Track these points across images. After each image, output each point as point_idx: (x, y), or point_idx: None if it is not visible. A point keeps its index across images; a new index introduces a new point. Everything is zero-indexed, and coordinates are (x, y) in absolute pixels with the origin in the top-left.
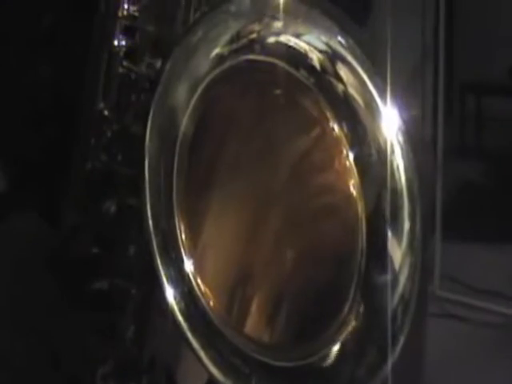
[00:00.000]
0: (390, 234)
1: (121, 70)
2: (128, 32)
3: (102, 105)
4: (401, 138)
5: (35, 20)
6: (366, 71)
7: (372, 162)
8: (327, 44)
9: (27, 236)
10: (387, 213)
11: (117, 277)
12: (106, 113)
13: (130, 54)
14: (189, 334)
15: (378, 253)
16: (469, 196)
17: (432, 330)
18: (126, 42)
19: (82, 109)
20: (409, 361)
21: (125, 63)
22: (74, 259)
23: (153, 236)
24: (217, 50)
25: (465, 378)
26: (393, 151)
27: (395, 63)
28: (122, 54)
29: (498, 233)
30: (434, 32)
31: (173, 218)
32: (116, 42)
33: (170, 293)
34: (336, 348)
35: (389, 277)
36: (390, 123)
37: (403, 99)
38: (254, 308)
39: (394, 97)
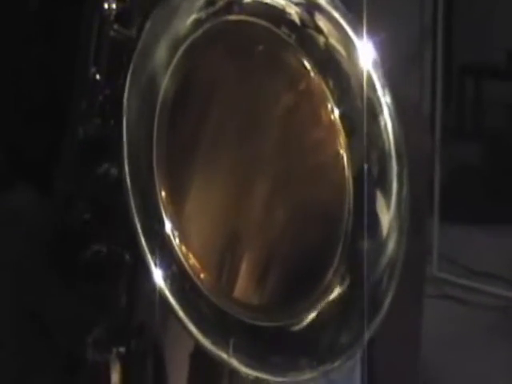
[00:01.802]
0: (377, 197)
1: (112, 33)
2: None
3: (93, 69)
4: (388, 99)
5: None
6: (343, 16)
7: (359, 118)
8: None
9: (18, 207)
10: (374, 171)
11: (111, 243)
12: (97, 77)
13: (121, 17)
14: (170, 297)
15: (364, 219)
16: (467, 178)
17: (429, 311)
18: (117, 5)
19: (74, 73)
20: (405, 341)
21: (116, 26)
22: (69, 227)
23: (132, 202)
24: (194, 16)
25: (462, 359)
26: (381, 111)
27: (393, 44)
28: (112, 17)
29: (495, 215)
30: (433, 15)
31: (154, 185)
32: (106, 5)
33: (157, 273)
34: (319, 311)
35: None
36: (367, 57)
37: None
38: (242, 271)
39: (373, 35)
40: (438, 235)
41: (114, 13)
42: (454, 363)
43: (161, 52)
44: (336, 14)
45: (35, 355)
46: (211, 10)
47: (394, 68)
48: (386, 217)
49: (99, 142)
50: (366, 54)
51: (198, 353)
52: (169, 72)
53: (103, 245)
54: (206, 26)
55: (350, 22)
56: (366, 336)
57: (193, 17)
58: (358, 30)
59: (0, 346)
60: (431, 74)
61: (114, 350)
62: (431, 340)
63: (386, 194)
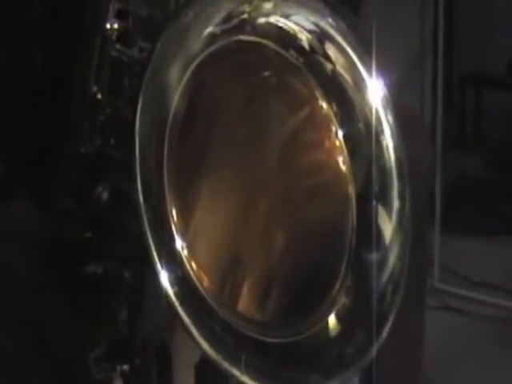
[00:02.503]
0: (379, 212)
1: (114, 53)
2: (121, 15)
3: (95, 88)
4: (390, 118)
5: (26, 5)
6: (355, 50)
7: (361, 140)
8: (316, 24)
9: (18, 222)
10: (376, 190)
11: (109, 261)
12: (99, 96)
13: (123, 37)
14: (180, 311)
15: (368, 231)
16: (468, 188)
17: (431, 322)
18: (119, 25)
19: (74, 92)
20: (406, 352)
21: (117, 46)
22: (67, 243)
23: (144, 217)
24: (209, 29)
25: (463, 370)
26: (382, 131)
27: (394, 54)
28: (114, 37)
29: (497, 225)
30: (434, 25)
31: (164, 200)
32: (108, 25)
33: (164, 275)
34: (325, 325)
35: (375, 255)
36: (377, 96)
37: (392, 78)
38: (246, 287)
39: (381, 73)
40: (439, 246)
41: (115, 33)
42: (456, 374)
43: (172, 72)
44: (346, 45)
45: (36, 373)
46: (226, 27)
47: (394, 78)
48: (388, 230)
49: (100, 160)
50: (375, 91)
51: (203, 365)
52: (179, 90)
53: (102, 262)
54: (219, 43)
55: (358, 53)
56: (375, 349)
57: (208, 31)
58: (367, 64)
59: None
60: (432, 84)
61: (118, 367)
62: (432, 351)
63: (388, 209)
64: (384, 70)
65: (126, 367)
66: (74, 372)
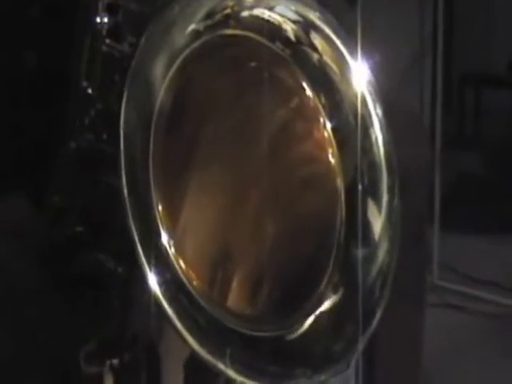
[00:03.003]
0: (369, 205)
1: (104, 48)
2: (111, 10)
3: (85, 83)
4: (379, 111)
5: (24, 5)
6: (340, 38)
7: (350, 132)
8: (299, 13)
9: (10, 219)
10: (365, 182)
11: (102, 256)
12: (89, 91)
13: (113, 32)
14: (166, 307)
15: (356, 223)
16: (467, 186)
17: (430, 319)
18: (109, 20)
19: (65, 87)
20: (405, 349)
21: (108, 41)
22: (60, 239)
23: (129, 214)
24: (193, 26)
25: (463, 367)
26: (371, 124)
27: (393, 53)
28: (104, 31)
29: (496, 223)
30: (433, 25)
31: (150, 196)
32: (99, 20)
33: (151, 274)
34: (313, 320)
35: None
36: (361, 78)
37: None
38: (235, 283)
39: (366, 57)
40: (438, 244)
41: (105, 27)
42: (455, 371)
43: (158, 66)
44: (331, 34)
45: (29, 369)
46: (209, 22)
47: (394, 78)
48: (378, 225)
49: (92, 155)
50: (360, 74)
51: (192, 362)
52: (165, 84)
53: (95, 258)
54: (203, 38)
55: (344, 42)
56: (360, 345)
57: (191, 27)
58: (352, 50)
59: None
60: (431, 84)
61: (108, 362)
62: (432, 348)
63: (377, 203)
64: (368, 55)
65: (115, 362)
66: (67, 367)
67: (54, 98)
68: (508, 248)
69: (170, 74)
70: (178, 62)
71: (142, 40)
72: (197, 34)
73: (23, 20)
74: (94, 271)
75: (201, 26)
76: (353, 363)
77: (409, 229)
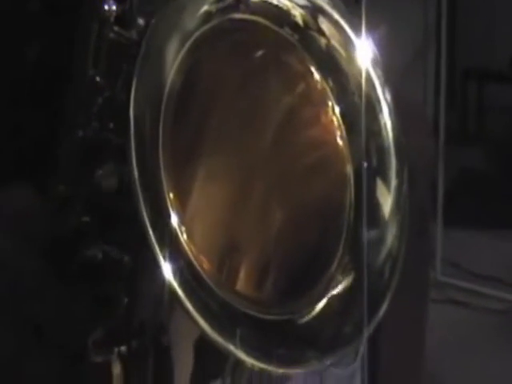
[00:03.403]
0: (378, 186)
1: (112, 35)
2: None
3: (92, 71)
4: (388, 97)
5: None
6: (348, 22)
7: (358, 116)
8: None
9: (16, 208)
10: (374, 164)
11: (109, 245)
12: (97, 79)
13: (121, 19)
14: (177, 288)
15: (366, 210)
16: (470, 182)
17: (433, 315)
18: (117, 7)
19: (72, 75)
20: (409, 345)
21: (115, 28)
22: (66, 228)
23: (141, 200)
24: (205, 8)
25: (466, 363)
26: (380, 110)
27: (396, 48)
28: (112, 18)
29: (499, 219)
30: (436, 19)
31: (161, 182)
32: (106, 7)
33: (164, 262)
34: (323, 304)
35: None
36: (367, 57)
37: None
38: (244, 267)
39: (371, 36)
40: (441, 239)
41: (113, 14)
42: (458, 366)
43: (169, 47)
44: (339, 18)
45: (35, 356)
46: (221, 5)
47: (396, 72)
48: (387, 205)
49: (98, 144)
50: (364, 51)
51: (203, 344)
52: (175, 67)
53: (101, 246)
54: (214, 21)
55: (351, 25)
56: (367, 331)
57: (204, 9)
58: (358, 32)
59: None
60: (434, 79)
61: (116, 350)
62: (435, 344)
63: (386, 185)
64: (374, 35)
65: (123, 349)
66: (74, 356)
67: (59, 86)
68: (511, 244)
69: (180, 56)
70: (189, 44)
71: (154, 22)
72: (208, 16)
73: (26, 11)
74: (100, 261)
75: (213, 8)
76: (359, 357)
77: (412, 222)
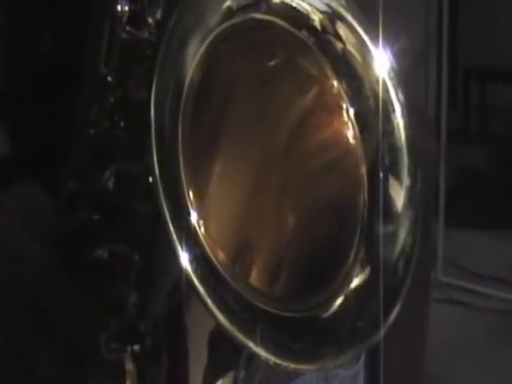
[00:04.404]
0: (391, 183)
1: (124, 35)
2: None
3: (104, 70)
4: (401, 97)
5: None
6: (364, 28)
7: (372, 117)
8: (328, 5)
9: (25, 205)
10: (387, 163)
11: (118, 243)
12: (109, 78)
13: (134, 19)
14: (196, 282)
15: (379, 206)
16: (472, 181)
17: (434, 315)
18: (130, 7)
19: (84, 74)
20: (410, 346)
21: (128, 28)
22: (76, 226)
23: (162, 195)
24: (227, 3)
25: (467, 363)
26: (393, 110)
27: (398, 50)
28: (125, 19)
29: (501, 219)
30: (438, 19)
31: (180, 178)
32: (119, 7)
33: (183, 254)
34: (339, 300)
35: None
36: (382, 65)
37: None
38: (259, 263)
39: (387, 43)
40: (442, 239)
41: (126, 15)
42: (459, 366)
43: (189, 43)
44: (355, 23)
45: (45, 354)
46: (242, 2)
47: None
48: (399, 202)
49: (109, 142)
50: (381, 62)
51: (216, 338)
52: (194, 62)
53: (111, 244)
54: (234, 19)
55: (367, 30)
56: (383, 327)
57: (226, 4)
58: (374, 38)
59: (8, 344)
60: (436, 78)
61: (129, 348)
62: (436, 344)
63: (399, 183)
64: (391, 43)
65: (136, 348)
66: (86, 354)
67: (72, 84)
68: None
69: (200, 52)
70: (209, 40)
71: (173, 20)
72: (229, 13)
73: (35, 9)
74: (109, 258)
75: (234, 4)
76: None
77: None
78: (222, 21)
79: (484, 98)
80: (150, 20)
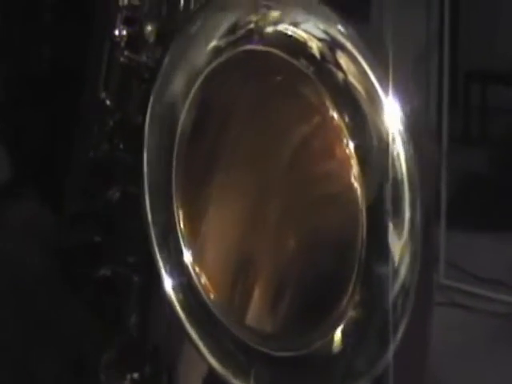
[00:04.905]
0: (390, 223)
1: (122, 59)
2: (129, 22)
3: (103, 94)
4: (402, 127)
5: (37, 11)
6: (367, 60)
7: (373, 152)
8: (326, 32)
9: (29, 223)
10: (388, 203)
11: (119, 264)
12: (107, 102)
13: (132, 43)
14: (187, 324)
15: (378, 243)
16: (473, 185)
17: (436, 318)
18: (128, 32)
19: (83, 98)
20: (412, 349)
21: (126, 53)
22: (77, 247)
23: (151, 227)
24: (214, 43)
25: (469, 366)
26: (393, 140)
27: (399, 51)
28: (123, 43)
29: (502, 221)
30: (439, 20)
31: (172, 209)
32: (117, 32)
33: (168, 283)
34: (336, 337)
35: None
36: (392, 113)
37: (405, 89)
38: (255, 298)
39: (396, 86)
40: (444, 242)
41: (124, 39)
42: (462, 370)
43: (180, 83)
44: (358, 55)
45: (47, 375)
46: (231, 38)
47: (399, 75)
48: (399, 243)
49: (109, 164)
50: (391, 109)
51: (213, 378)
52: (187, 103)
53: (112, 265)
54: (225, 55)
55: (370, 63)
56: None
57: (212, 44)
58: (381, 77)
59: (8, 365)
60: (437, 81)
61: (128, 376)
62: (438, 347)
63: (399, 223)
64: (401, 91)
65: (136, 375)
66: (85, 376)
67: (73, 104)
68: None
69: (193, 91)
70: (201, 78)
71: (166, 57)
72: (218, 52)
73: (37, 27)
74: (111, 279)
75: (222, 43)
76: None
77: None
78: (211, 60)
79: (485, 101)
80: (150, 43)
